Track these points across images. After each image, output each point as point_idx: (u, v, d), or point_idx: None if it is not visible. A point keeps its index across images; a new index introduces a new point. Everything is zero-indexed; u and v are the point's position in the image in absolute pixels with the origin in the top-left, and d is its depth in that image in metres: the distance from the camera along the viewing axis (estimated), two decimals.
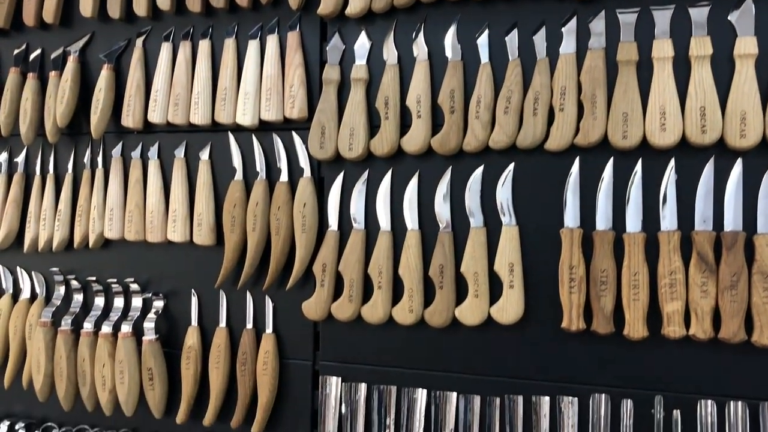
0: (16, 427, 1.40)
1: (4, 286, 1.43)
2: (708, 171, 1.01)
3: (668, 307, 1.00)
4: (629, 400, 1.04)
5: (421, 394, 1.14)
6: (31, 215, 1.39)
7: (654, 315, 1.01)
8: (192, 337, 1.26)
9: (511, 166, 1.10)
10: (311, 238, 1.19)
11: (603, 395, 1.05)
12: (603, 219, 1.05)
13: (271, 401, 1.21)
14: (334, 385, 1.19)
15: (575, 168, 1.07)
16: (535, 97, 1.07)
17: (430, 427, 1.13)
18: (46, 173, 1.40)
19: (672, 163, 1.02)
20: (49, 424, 1.38)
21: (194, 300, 1.28)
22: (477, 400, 1.11)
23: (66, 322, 1.33)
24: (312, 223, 1.19)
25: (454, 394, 1.12)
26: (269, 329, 1.23)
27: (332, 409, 1.18)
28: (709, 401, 1.01)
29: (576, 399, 1.06)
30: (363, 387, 1.17)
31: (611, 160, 1.05)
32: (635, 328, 1.01)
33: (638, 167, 1.04)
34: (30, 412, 1.41)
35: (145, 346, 1.27)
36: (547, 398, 1.08)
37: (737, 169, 1.00)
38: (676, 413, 1.02)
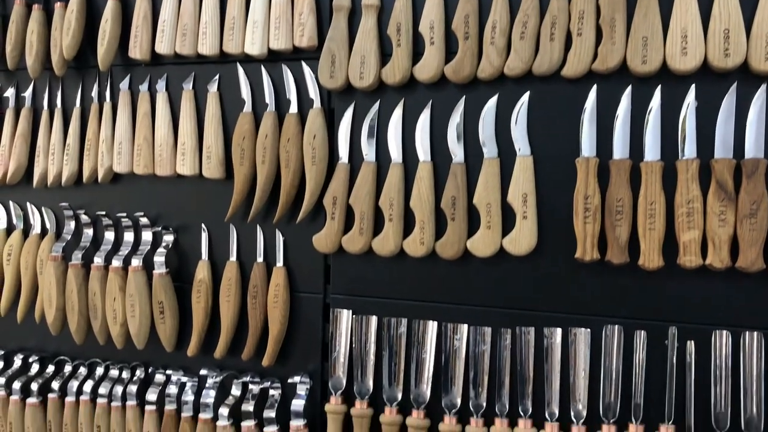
0: (30, 360, 1.41)
1: (14, 222, 1.43)
2: (730, 97, 0.98)
3: (685, 237, 0.98)
4: (642, 332, 1.03)
5: (432, 327, 1.14)
6: (40, 150, 1.38)
7: (670, 245, 1.00)
8: (202, 271, 1.26)
9: (526, 95, 1.07)
10: (321, 171, 1.18)
11: (616, 327, 1.04)
12: (620, 148, 1.02)
13: (282, 334, 1.21)
14: (344, 318, 1.18)
15: (592, 95, 1.04)
16: (553, 22, 1.03)
17: (440, 360, 1.13)
18: (53, 107, 1.39)
19: (693, 89, 0.99)
20: (62, 357, 1.39)
21: (204, 234, 1.28)
22: (488, 332, 1.10)
23: (76, 257, 1.33)
24: (322, 155, 1.17)
25: (465, 326, 1.12)
26: (280, 263, 1.23)
27: (343, 342, 1.18)
28: (725, 332, 0.99)
29: (588, 330, 1.05)
30: (374, 320, 1.17)
31: (629, 88, 1.02)
32: (650, 258, 1.00)
33: (657, 94, 1.01)
34: (43, 346, 1.42)
35: (155, 280, 1.27)
36: (559, 330, 1.07)
37: (761, 95, 0.97)
38: (690, 344, 1.01)
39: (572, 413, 1.05)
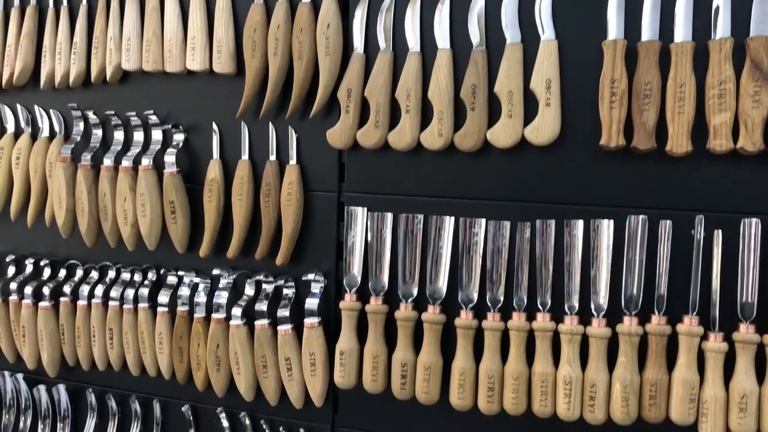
0: (41, 264, 1.40)
1: (22, 126, 1.40)
2: None
3: (716, 119, 0.94)
4: (668, 222, 0.99)
5: (449, 222, 1.11)
6: (46, 50, 1.34)
7: (699, 129, 0.96)
8: (214, 170, 1.23)
9: None
10: (335, 62, 1.14)
11: (640, 217, 1.00)
12: (648, 29, 0.98)
13: (296, 232, 1.19)
14: (359, 215, 1.15)
15: None
16: None
17: (457, 255, 1.10)
18: (59, 5, 1.34)
19: None
20: (73, 261, 1.38)
21: (215, 132, 1.24)
22: (507, 226, 1.08)
23: (86, 158, 1.30)
24: (336, 45, 1.13)
25: (483, 220, 1.09)
26: (293, 160, 1.19)
27: (358, 240, 1.16)
28: (754, 220, 0.96)
29: (611, 222, 1.02)
30: (389, 216, 1.14)
31: None
32: (678, 142, 0.96)
33: None
34: (54, 251, 1.41)
35: (166, 179, 1.24)
36: (580, 222, 1.04)
37: None
38: (718, 233, 0.97)
39: (592, 306, 1.03)
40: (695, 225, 0.98)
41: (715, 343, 0.96)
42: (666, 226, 0.99)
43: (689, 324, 0.97)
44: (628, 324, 1.00)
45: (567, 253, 1.04)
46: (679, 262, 1.00)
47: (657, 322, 0.99)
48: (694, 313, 0.98)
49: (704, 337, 0.97)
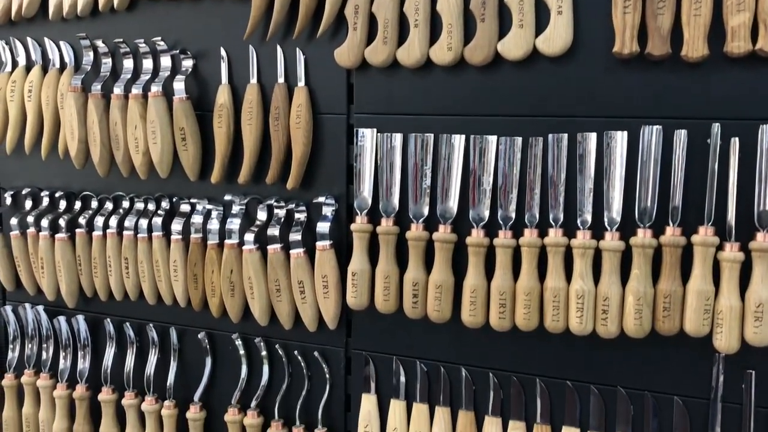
0: (56, 196, 1.41)
1: (33, 59, 1.40)
2: None
3: (733, 20, 0.91)
4: (683, 131, 0.97)
5: (459, 140, 1.09)
6: None
7: (716, 33, 0.92)
8: (223, 95, 1.22)
9: None
10: None
11: (654, 127, 0.98)
12: None
13: (306, 156, 1.18)
14: (369, 137, 1.14)
15: None
16: None
17: (468, 173, 1.09)
18: None
19: None
20: (87, 193, 1.39)
21: (223, 57, 1.23)
22: (518, 142, 1.06)
23: (96, 88, 1.30)
24: None
25: (494, 137, 1.07)
26: (301, 82, 1.18)
27: (367, 162, 1.14)
28: None
29: (625, 133, 1.00)
30: (399, 137, 1.13)
31: None
32: (694, 47, 0.93)
33: None
34: (69, 183, 1.42)
35: (176, 106, 1.24)
36: (593, 135, 1.01)
37: None
38: (734, 141, 0.95)
39: (606, 221, 1.01)
40: (711, 134, 0.95)
41: (731, 252, 0.94)
42: (681, 136, 0.97)
43: (704, 234, 0.95)
44: (642, 236, 0.98)
45: (580, 167, 1.02)
46: (694, 173, 0.97)
47: (671, 233, 0.97)
48: (710, 223, 0.96)
49: (720, 248, 0.96)
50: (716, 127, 0.95)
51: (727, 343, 0.94)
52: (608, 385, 1.05)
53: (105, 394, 1.38)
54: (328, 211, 1.18)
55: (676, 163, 0.98)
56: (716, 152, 0.96)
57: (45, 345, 1.44)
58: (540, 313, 1.04)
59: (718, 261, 0.96)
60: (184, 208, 1.30)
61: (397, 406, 1.17)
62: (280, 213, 1.21)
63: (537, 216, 1.05)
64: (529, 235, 1.04)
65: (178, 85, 1.24)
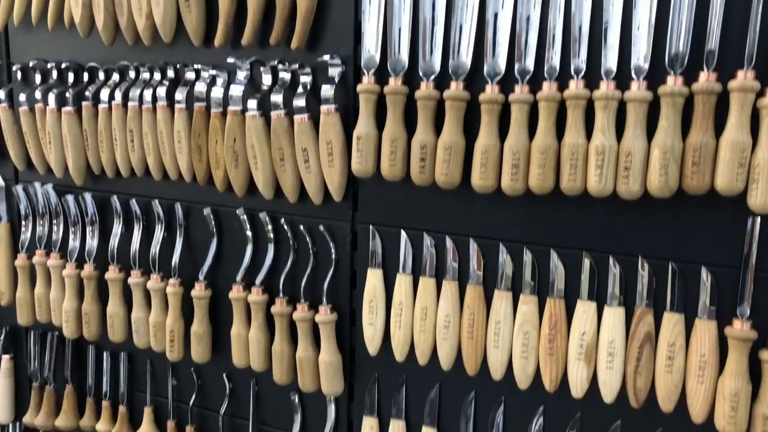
0: (63, 67, 1.37)
1: None
2: None
3: None
4: None
5: None
6: None
7: None
8: None
9: None
10: None
11: None
12: None
13: (312, 10, 1.09)
14: None
15: None
16: None
17: (483, 25, 0.99)
18: None
19: None
20: (93, 64, 1.34)
21: None
22: None
23: None
24: None
25: None
26: None
27: (376, 17, 1.06)
28: None
29: None
30: None
31: None
32: None
33: None
34: (75, 56, 1.37)
35: None
36: None
37: None
38: None
39: (632, 69, 0.91)
40: None
41: None
42: None
43: (743, 78, 0.85)
44: (672, 83, 0.88)
45: (605, 9, 0.92)
46: (734, 11, 0.86)
47: (706, 78, 0.86)
48: (750, 66, 0.85)
49: (760, 94, 0.85)
50: None
51: (763, 200, 0.84)
52: (628, 255, 0.97)
53: (112, 273, 1.36)
54: (334, 72, 1.10)
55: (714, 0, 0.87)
56: None
57: (55, 223, 1.42)
58: (556, 174, 0.95)
59: (757, 110, 0.85)
60: (189, 75, 1.24)
61: (403, 281, 1.11)
62: (285, 77, 1.14)
63: (557, 68, 0.96)
64: (548, 89, 0.95)
65: None
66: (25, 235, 1.46)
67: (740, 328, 0.89)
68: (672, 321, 0.94)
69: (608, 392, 0.98)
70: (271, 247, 1.22)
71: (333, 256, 1.17)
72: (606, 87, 0.91)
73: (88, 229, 1.39)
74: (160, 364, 1.40)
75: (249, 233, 1.23)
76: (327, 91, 1.10)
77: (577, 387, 0.99)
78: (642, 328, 0.95)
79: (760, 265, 0.89)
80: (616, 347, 0.96)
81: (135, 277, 1.33)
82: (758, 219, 0.88)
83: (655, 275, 0.95)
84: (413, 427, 1.15)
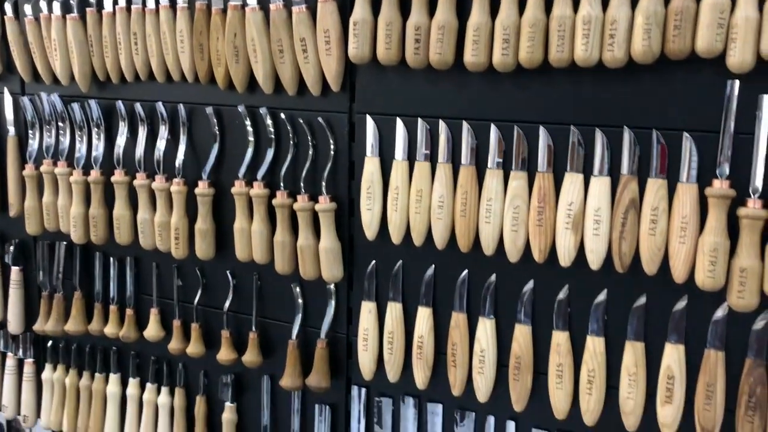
0: None
1: None
2: None
3: None
4: None
5: None
6: None
7: None
8: None
9: None
10: None
11: None
12: None
13: None
14: None
15: None
16: None
17: None
18: None
19: None
20: None
21: None
22: None
23: None
24: None
25: None
26: None
27: None
28: None
29: None
30: None
31: None
32: None
33: None
34: None
35: None
36: None
37: None
38: None
39: None
40: None
41: None
42: None
43: None
44: None
45: None
46: None
47: None
48: None
49: None
50: None
51: (742, 59, 0.88)
52: (614, 126, 1.01)
53: (118, 176, 1.40)
54: None
55: None
56: None
57: (61, 132, 1.46)
58: (545, 49, 0.99)
59: None
60: None
61: (399, 166, 1.15)
62: None
63: None
64: None
65: None
66: (33, 146, 1.50)
67: (719, 186, 0.94)
68: (655, 186, 0.98)
69: (595, 259, 1.02)
70: (272, 143, 1.26)
71: (332, 147, 1.21)
72: None
73: (94, 135, 1.43)
74: (165, 267, 1.45)
75: (250, 128, 1.27)
76: None
77: (565, 256, 1.04)
78: (627, 195, 0.99)
79: (739, 126, 0.93)
80: (602, 215, 1.01)
81: (140, 179, 1.37)
82: (737, 82, 0.92)
83: (639, 144, 0.99)
84: (410, 308, 1.20)
